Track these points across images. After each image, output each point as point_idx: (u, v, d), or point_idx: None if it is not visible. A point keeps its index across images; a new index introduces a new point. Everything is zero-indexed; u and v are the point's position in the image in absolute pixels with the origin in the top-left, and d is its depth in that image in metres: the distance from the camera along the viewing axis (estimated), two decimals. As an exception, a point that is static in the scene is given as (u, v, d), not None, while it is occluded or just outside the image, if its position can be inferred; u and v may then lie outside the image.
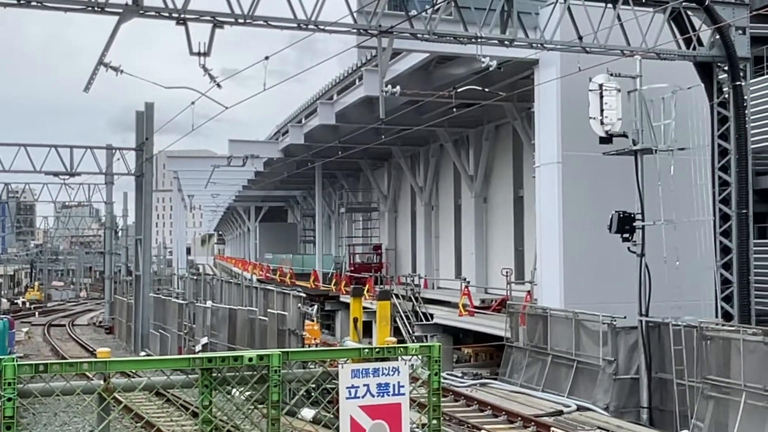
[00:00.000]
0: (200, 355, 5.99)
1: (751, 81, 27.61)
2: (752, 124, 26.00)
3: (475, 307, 33.19)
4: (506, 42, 21.64)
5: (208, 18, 18.63)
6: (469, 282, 35.88)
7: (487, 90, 28.64)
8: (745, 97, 23.77)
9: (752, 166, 24.46)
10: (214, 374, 5.66)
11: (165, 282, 62.61)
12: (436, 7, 21.13)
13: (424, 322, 34.88)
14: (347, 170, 64.58)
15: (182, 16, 18.37)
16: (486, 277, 40.25)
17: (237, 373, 5.81)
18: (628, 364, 22.49)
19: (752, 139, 24.85)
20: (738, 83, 23.07)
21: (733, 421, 19.31)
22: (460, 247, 45.21)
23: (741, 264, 23.57)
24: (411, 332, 34.53)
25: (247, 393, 5.96)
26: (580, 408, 21.89)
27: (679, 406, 20.99)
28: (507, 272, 34.61)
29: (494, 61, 22.26)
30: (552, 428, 19.53)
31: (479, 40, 21.34)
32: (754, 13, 26.73)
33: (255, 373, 5.82)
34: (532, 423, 20.00)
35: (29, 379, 5.18)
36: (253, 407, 6.04)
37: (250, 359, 5.76)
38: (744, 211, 23.57)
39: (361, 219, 65.58)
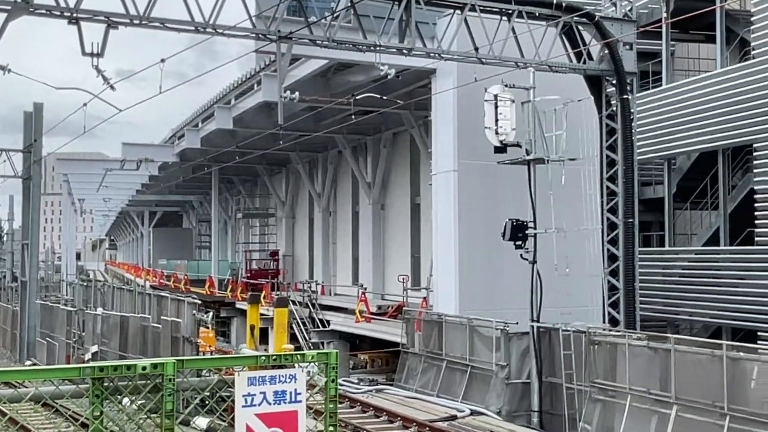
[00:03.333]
0: (91, 364, 5.69)
1: (637, 95, 28.58)
2: (638, 136, 26.90)
3: (372, 314, 33.29)
4: (404, 51, 21.62)
5: (102, 18, 17.87)
6: (366, 288, 35.91)
7: (385, 98, 28.75)
8: (632, 110, 24.36)
9: (638, 176, 25.10)
10: (105, 384, 5.41)
11: (53, 288, 60.25)
12: (335, 15, 21.03)
13: (321, 328, 34.91)
14: (244, 176, 63.83)
15: (74, 15, 17.49)
16: (383, 284, 40.40)
17: (129, 382, 5.61)
18: (520, 369, 22.81)
19: (638, 150, 25.59)
20: (625, 97, 23.70)
21: (619, 423, 19.78)
22: (358, 254, 45.24)
23: (627, 271, 24.07)
24: (308, 339, 34.50)
25: (140, 402, 5.75)
26: (473, 412, 22.03)
27: (568, 409, 21.42)
28: (403, 279, 34.74)
29: (392, 70, 22.34)
30: None
31: (378, 48, 21.29)
32: (641, 29, 27.80)
33: (148, 382, 5.68)
34: (427, 428, 20.04)
35: None
36: (146, 417, 5.94)
37: (144, 368, 5.59)
38: (630, 220, 24.08)
39: (258, 225, 64.93)
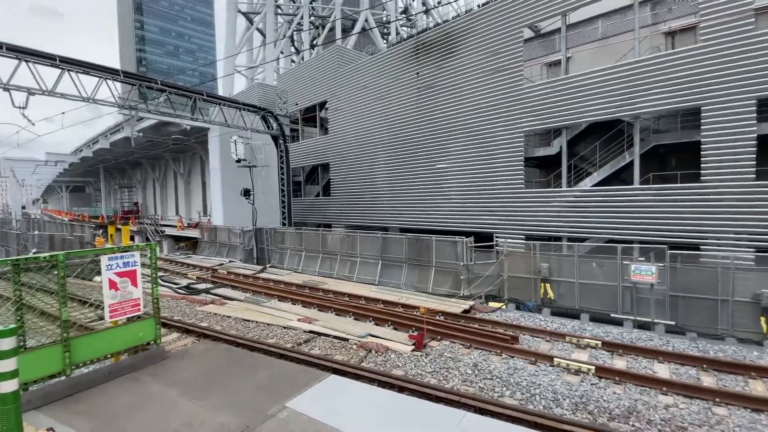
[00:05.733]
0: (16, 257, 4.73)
1: (292, 143, 30.14)
2: (291, 160, 28.55)
3: (185, 227, 31.16)
4: (193, 118, 21.07)
5: (24, 89, 14.72)
6: (181, 216, 33.26)
7: (186, 137, 26.94)
8: (288, 147, 24.91)
9: (292, 178, 25.57)
10: (22, 266, 4.69)
11: (7, 222, 45.61)
12: (161, 99, 19.75)
13: (161, 234, 31.72)
14: (119, 169, 53.00)
15: (6, 87, 14.46)
16: (190, 215, 37.37)
17: (38, 265, 4.86)
18: (249, 243, 22.13)
19: (291, 166, 26.19)
20: (286, 144, 24.63)
21: (284, 260, 19.62)
22: (178, 202, 40.98)
23: (288, 206, 24.36)
24: (153, 239, 31.10)
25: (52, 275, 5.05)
26: (231, 262, 21.27)
27: (269, 257, 20.89)
28: (199, 212, 33.07)
29: (188, 126, 21.57)
30: (217, 270, 18.37)
31: (180, 116, 20.51)
32: (292, 119, 29.32)
33: (51, 263, 4.91)
34: (210, 269, 18.77)
35: None
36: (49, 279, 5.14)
37: (45, 258, 4.81)
38: (289, 188, 23.88)
39: (127, 191, 54.48)
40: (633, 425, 5.75)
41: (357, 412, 4.44)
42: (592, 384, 7.02)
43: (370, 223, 23.74)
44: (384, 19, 43.65)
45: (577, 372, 7.50)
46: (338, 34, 38.92)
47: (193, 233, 27.61)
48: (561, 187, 16.50)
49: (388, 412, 4.48)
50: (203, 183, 37.02)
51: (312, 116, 29.41)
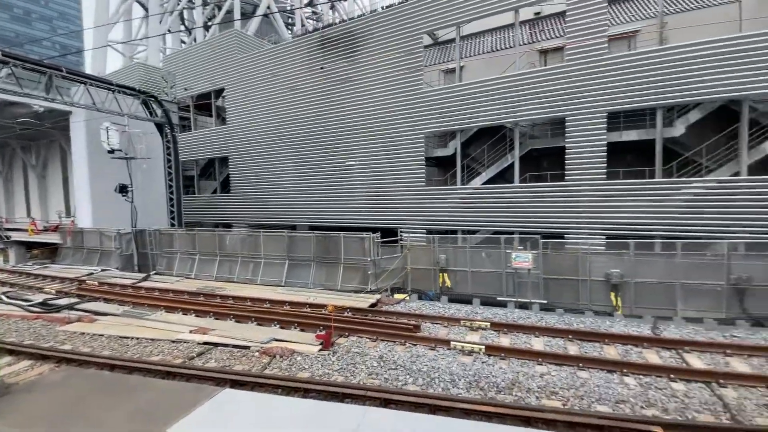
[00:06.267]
0: None
1: (182, 133, 27.30)
2: (181, 148, 25.79)
3: (40, 231, 25.85)
4: (48, 98, 17.50)
5: None
6: (34, 218, 27.54)
7: (39, 122, 22.34)
8: (176, 139, 22.49)
9: (182, 173, 23.42)
10: None
11: None
12: (2, 73, 15.89)
13: (5, 240, 25.71)
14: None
15: None
16: (48, 216, 31.23)
17: None
18: (127, 248, 19.87)
19: (181, 154, 23.99)
20: (173, 134, 22.39)
21: (175, 264, 18.59)
22: (29, 200, 33.81)
23: (178, 205, 22.27)
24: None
25: None
26: (104, 270, 18.91)
27: (152, 262, 19.46)
28: (60, 212, 27.71)
29: (41, 108, 17.83)
30: (85, 281, 16.33)
31: (31, 96, 16.82)
32: (181, 106, 26.54)
33: None
34: (75, 281, 16.74)
35: None
36: None
37: None
38: (178, 183, 22.24)
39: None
40: (515, 395, 6.32)
41: (253, 425, 4.20)
42: (483, 362, 7.58)
43: (276, 221, 23.08)
44: (288, 7, 41.96)
45: (471, 353, 8.04)
46: (237, 16, 36.12)
47: (52, 238, 23.18)
48: (456, 185, 17.97)
49: (290, 418, 4.31)
50: (65, 178, 31.14)
51: (206, 104, 27.02)
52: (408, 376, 7.00)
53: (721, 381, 6.74)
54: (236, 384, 6.73)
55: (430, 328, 9.64)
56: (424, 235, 17.08)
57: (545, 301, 12.12)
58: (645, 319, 10.52)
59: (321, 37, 21.18)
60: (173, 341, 9.20)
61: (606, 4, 14.77)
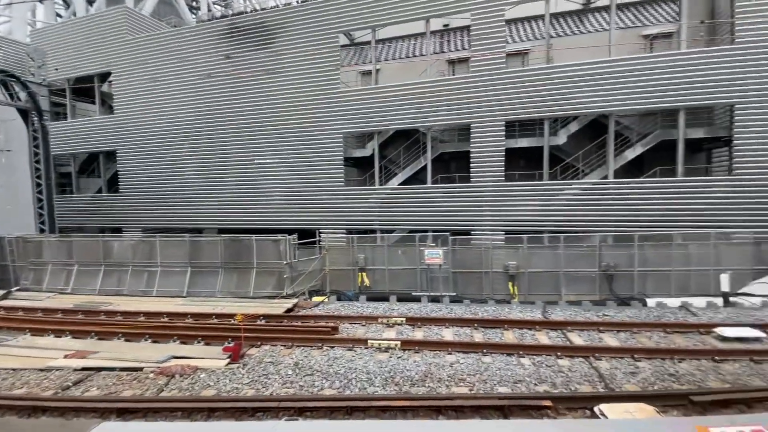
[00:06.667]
0: None
1: (54, 122, 23.14)
2: (56, 144, 21.91)
3: None
4: None
5: None
6: None
7: None
8: (46, 127, 19.07)
9: (53, 163, 19.97)
10: None
11: None
12: None
13: None
14: None
15: None
16: None
17: None
18: None
19: (52, 147, 20.23)
20: (42, 122, 18.91)
21: (45, 277, 15.95)
22: None
23: (49, 206, 19.07)
24: None
25: None
26: None
27: (13, 275, 16.33)
28: None
29: None
30: None
31: None
32: (54, 90, 22.48)
33: None
34: None
35: None
36: None
37: None
38: (49, 181, 19.04)
39: None
40: (428, 386, 6.56)
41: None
42: (398, 358, 7.69)
43: (178, 224, 20.89)
44: (190, -11, 38.19)
45: (387, 349, 8.12)
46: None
47: None
48: (375, 186, 17.88)
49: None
50: None
51: (88, 89, 23.27)
52: (325, 381, 6.91)
53: (597, 355, 7.56)
54: (125, 413, 6.01)
55: (348, 329, 9.58)
56: (344, 235, 16.93)
57: (454, 294, 12.78)
58: (537, 304, 11.58)
59: (230, 25, 19.73)
60: (42, 369, 7.97)
61: (504, 23, 16.30)
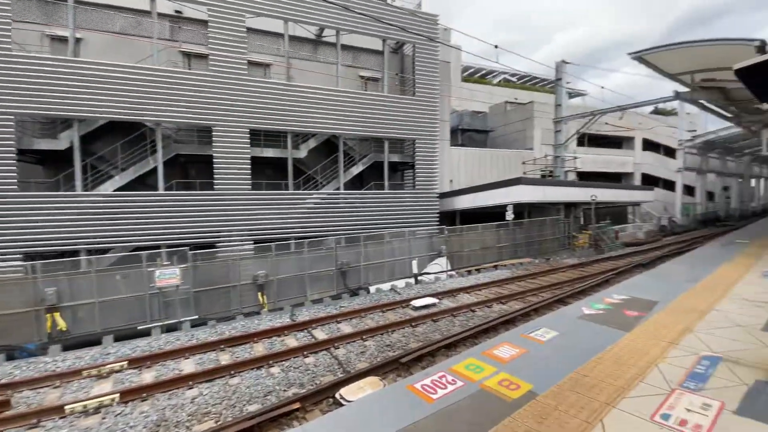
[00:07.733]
0: None
1: None
2: None
3: None
4: None
5: None
6: None
7: None
8: None
9: None
10: None
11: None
12: None
13: None
14: None
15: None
16: None
17: None
18: None
19: None
20: None
21: None
22: None
23: None
24: None
25: None
26: None
27: None
28: None
29: None
30: None
31: None
32: None
33: None
34: None
35: None
36: None
37: None
38: None
39: None
40: None
41: None
42: (116, 415, 6.39)
43: None
44: None
45: (98, 409, 6.58)
46: None
47: None
48: (75, 191, 14.25)
49: None
50: None
51: None
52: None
53: (336, 344, 8.12)
54: None
55: (30, 397, 7.18)
56: (19, 263, 12.17)
57: (196, 317, 11.60)
58: (285, 309, 11.70)
59: None
60: None
61: (245, 30, 16.10)
